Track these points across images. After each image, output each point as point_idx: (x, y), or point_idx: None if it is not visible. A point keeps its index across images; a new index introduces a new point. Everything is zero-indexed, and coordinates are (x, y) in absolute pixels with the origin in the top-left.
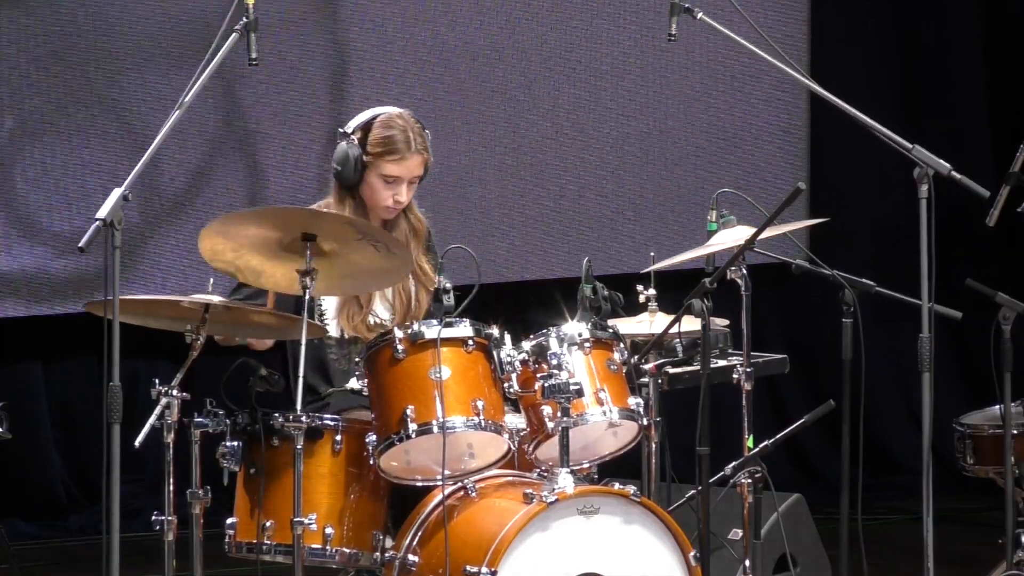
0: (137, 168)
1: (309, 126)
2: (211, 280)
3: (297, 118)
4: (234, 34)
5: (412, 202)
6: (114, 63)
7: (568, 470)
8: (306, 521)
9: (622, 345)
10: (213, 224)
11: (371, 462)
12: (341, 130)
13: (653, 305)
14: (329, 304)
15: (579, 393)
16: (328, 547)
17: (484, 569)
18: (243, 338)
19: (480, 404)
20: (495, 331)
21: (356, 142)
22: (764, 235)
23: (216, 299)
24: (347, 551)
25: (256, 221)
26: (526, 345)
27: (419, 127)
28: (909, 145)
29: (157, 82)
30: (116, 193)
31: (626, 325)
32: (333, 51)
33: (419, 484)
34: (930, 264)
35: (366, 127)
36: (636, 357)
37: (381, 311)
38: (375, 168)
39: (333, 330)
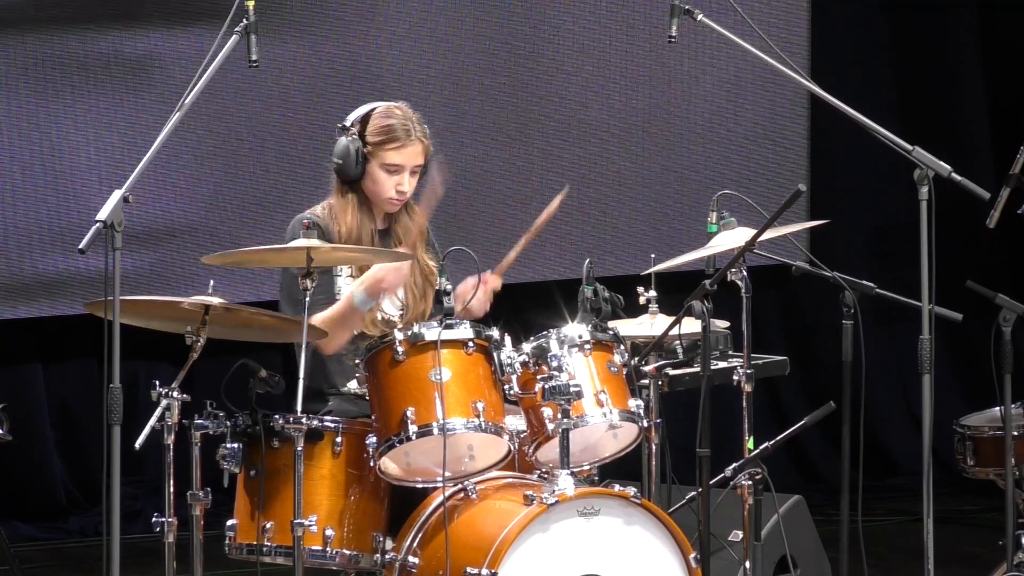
0: (138, 169)
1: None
2: (211, 282)
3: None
4: (234, 36)
5: (410, 199)
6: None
7: (568, 472)
8: (306, 523)
9: (622, 347)
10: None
11: (371, 464)
12: (340, 125)
13: (653, 307)
14: None
15: (579, 395)
16: (328, 549)
17: (484, 571)
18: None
19: (480, 406)
20: (495, 333)
21: (356, 135)
22: (764, 237)
23: (216, 300)
24: (347, 553)
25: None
26: (526, 347)
27: (417, 116)
28: (909, 147)
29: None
30: (116, 195)
31: (626, 327)
32: (336, 51)
33: (419, 486)
34: (930, 266)
35: (364, 119)
36: (636, 359)
37: (389, 308)
38: (376, 158)
39: None
